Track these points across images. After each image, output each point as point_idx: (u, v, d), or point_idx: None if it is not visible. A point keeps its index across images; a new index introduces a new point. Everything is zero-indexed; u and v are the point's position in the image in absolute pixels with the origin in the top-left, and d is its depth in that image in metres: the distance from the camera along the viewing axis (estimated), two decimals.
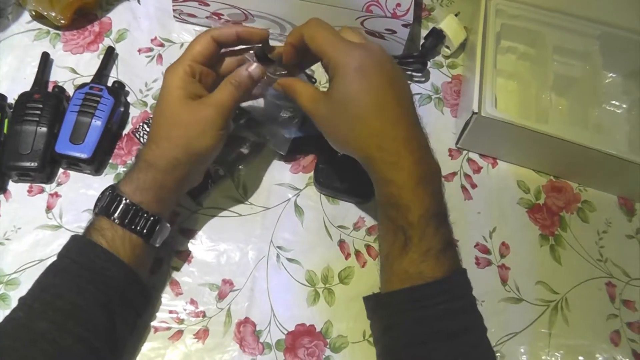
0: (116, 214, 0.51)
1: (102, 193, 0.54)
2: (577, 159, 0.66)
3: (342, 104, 0.50)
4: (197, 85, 0.54)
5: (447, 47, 0.77)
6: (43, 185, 0.64)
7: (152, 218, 0.52)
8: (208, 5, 0.70)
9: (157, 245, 0.54)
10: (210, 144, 0.53)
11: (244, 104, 0.65)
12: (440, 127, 0.71)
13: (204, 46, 0.55)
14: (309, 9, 0.68)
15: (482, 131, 0.66)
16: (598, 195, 0.68)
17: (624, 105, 0.73)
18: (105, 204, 0.52)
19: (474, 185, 0.67)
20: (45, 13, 0.72)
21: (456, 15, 0.76)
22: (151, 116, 0.68)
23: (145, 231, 0.52)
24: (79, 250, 0.51)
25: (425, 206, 0.48)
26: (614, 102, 0.73)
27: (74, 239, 0.52)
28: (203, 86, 0.55)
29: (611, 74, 0.75)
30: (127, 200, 0.51)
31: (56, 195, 0.64)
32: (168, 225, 0.55)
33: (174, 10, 0.73)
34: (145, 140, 0.65)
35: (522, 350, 0.58)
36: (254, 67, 0.55)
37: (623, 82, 0.74)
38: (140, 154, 0.54)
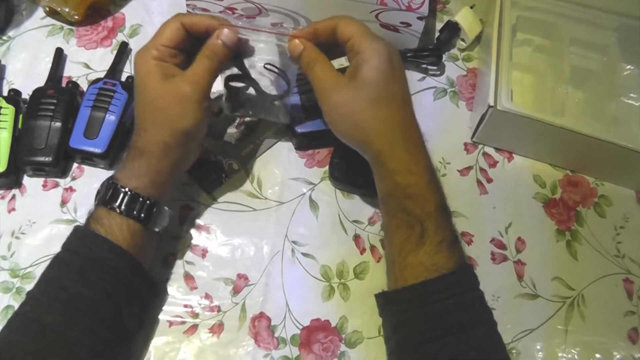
0: (112, 202, 0.51)
1: (101, 184, 0.54)
2: (593, 152, 0.65)
3: (371, 89, 0.50)
4: (169, 65, 0.54)
5: (463, 40, 0.76)
6: (57, 179, 0.65)
7: (147, 202, 0.52)
8: (222, 0, 0.70)
9: (158, 230, 0.54)
10: (194, 121, 0.53)
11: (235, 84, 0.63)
12: (455, 121, 0.70)
13: (173, 32, 0.54)
14: (324, 3, 0.68)
15: (498, 125, 0.65)
16: (615, 190, 0.67)
17: None
18: (102, 193, 0.52)
19: (489, 180, 0.67)
20: (59, 9, 0.73)
21: (471, 7, 0.75)
22: None
23: (142, 215, 0.52)
24: (80, 241, 0.52)
25: (439, 197, 0.49)
26: (631, 94, 0.71)
27: (76, 230, 0.53)
28: (175, 66, 0.55)
29: (629, 66, 0.73)
30: (122, 187, 0.51)
31: (71, 189, 0.64)
32: (167, 208, 0.55)
33: (187, 5, 0.73)
34: None
35: (538, 347, 0.58)
36: (225, 34, 0.54)
37: None
38: (132, 142, 0.54)
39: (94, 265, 0.50)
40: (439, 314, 0.46)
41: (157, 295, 0.57)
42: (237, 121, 0.68)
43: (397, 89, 0.51)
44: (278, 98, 0.60)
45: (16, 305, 0.56)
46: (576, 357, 0.57)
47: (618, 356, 0.58)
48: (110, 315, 0.49)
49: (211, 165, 0.64)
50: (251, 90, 0.60)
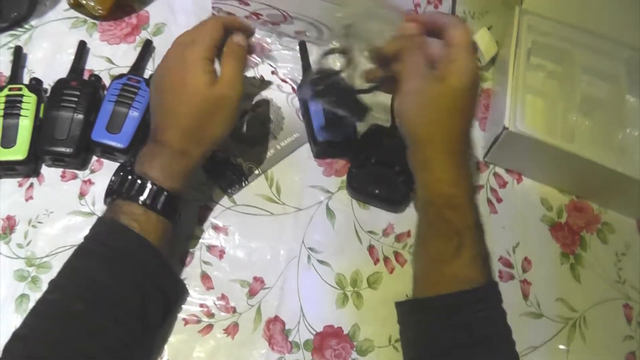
0: (152, 202, 0.52)
1: (122, 175, 0.54)
2: (599, 179, 0.67)
3: (454, 97, 0.51)
4: (213, 68, 0.56)
5: (478, 60, 0.78)
6: (76, 171, 0.65)
7: (175, 198, 0.54)
8: (248, 5, 0.71)
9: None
10: (232, 125, 0.57)
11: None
12: None
13: (219, 33, 0.56)
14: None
15: (510, 146, 0.67)
16: (617, 218, 0.70)
17: None
18: (136, 190, 0.52)
19: (499, 200, 0.69)
20: (84, 2, 0.73)
21: (489, 28, 0.77)
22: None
23: (171, 212, 0.54)
24: (109, 233, 0.52)
25: (477, 213, 0.51)
26: (637, 126, 0.75)
27: (103, 222, 0.53)
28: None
29: (635, 99, 0.76)
30: (162, 189, 0.53)
31: (89, 182, 0.64)
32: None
33: (212, 7, 0.74)
34: None
35: None
36: (239, 36, 0.59)
37: None
38: (159, 136, 0.55)
39: (123, 257, 0.51)
40: (470, 325, 0.48)
41: (180, 293, 0.58)
42: (259, 125, 0.69)
43: (472, 107, 0.53)
44: (364, 92, 0.59)
45: (31, 294, 0.57)
46: None
47: None
48: (137, 308, 0.50)
49: (232, 168, 0.65)
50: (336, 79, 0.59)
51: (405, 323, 0.54)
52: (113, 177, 0.55)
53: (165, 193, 0.53)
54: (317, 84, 0.58)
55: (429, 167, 0.52)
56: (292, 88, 0.72)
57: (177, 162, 0.54)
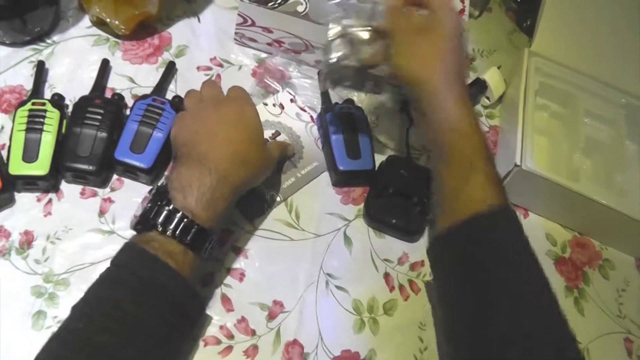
0: (192, 242, 0.52)
1: (161, 206, 0.53)
2: (600, 218, 0.71)
3: (443, 41, 0.59)
4: None
5: (487, 98, 0.81)
6: (96, 189, 0.65)
7: (212, 238, 0.55)
8: (271, 32, 0.73)
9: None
10: (264, 177, 0.64)
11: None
12: None
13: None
14: None
15: (519, 183, 0.70)
16: (617, 255, 0.74)
17: None
18: (181, 230, 0.52)
19: None
20: (108, 20, 0.74)
21: (498, 68, 0.81)
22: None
23: (207, 254, 0.55)
24: (140, 263, 0.51)
25: (483, 137, 0.56)
26: (635, 168, 0.78)
27: (133, 249, 0.52)
28: None
29: (633, 143, 0.80)
30: (205, 230, 0.53)
31: (109, 200, 0.65)
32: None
33: (235, 33, 0.76)
34: None
35: None
36: (292, 149, 0.70)
37: None
38: (226, 179, 0.56)
39: (151, 288, 0.50)
40: (511, 242, 0.52)
41: (203, 317, 0.59)
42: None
43: (459, 50, 0.59)
44: (373, 68, 0.64)
45: (48, 311, 0.57)
46: None
47: None
48: (164, 339, 0.50)
49: (254, 195, 0.66)
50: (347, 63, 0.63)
51: (434, 260, 0.57)
52: (149, 205, 0.53)
53: (205, 232, 0.53)
54: (333, 74, 0.64)
55: (435, 100, 0.57)
56: (311, 117, 0.74)
57: (222, 196, 0.55)
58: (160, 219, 0.52)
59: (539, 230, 0.73)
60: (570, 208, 0.72)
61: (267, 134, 0.72)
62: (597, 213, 0.70)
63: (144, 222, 0.53)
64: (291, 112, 0.75)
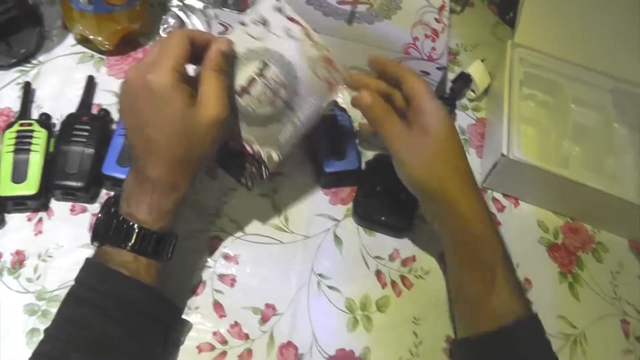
0: (141, 247, 0.50)
1: (107, 217, 0.52)
2: (591, 202, 0.71)
3: (443, 143, 0.55)
4: (186, 87, 0.50)
5: (473, 91, 0.81)
6: (86, 205, 0.66)
7: (174, 241, 0.54)
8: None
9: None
10: (216, 146, 0.53)
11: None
12: None
13: (185, 47, 0.50)
14: (351, 48, 0.72)
15: (507, 172, 0.70)
16: (610, 238, 0.73)
17: (634, 155, 0.79)
18: (123, 235, 0.50)
19: (498, 223, 0.71)
20: (92, 37, 0.75)
21: (482, 61, 0.81)
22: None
23: (170, 255, 0.54)
24: (98, 278, 0.50)
25: (504, 244, 0.54)
26: (625, 152, 0.79)
27: (91, 265, 0.51)
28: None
29: (622, 126, 0.80)
30: (152, 232, 0.51)
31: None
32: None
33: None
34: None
35: None
36: (224, 43, 0.52)
37: (632, 134, 0.80)
38: (141, 170, 0.51)
39: (115, 301, 0.49)
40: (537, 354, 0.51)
41: (179, 317, 0.58)
42: (270, 95, 0.57)
43: (459, 142, 0.57)
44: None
45: (42, 328, 0.57)
46: None
47: None
48: (136, 350, 0.50)
49: (249, 158, 0.58)
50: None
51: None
52: (99, 215, 0.54)
53: (155, 235, 0.51)
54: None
55: (453, 210, 0.54)
56: (304, 29, 0.57)
57: (166, 197, 0.51)
58: (110, 231, 0.51)
59: (531, 218, 0.73)
60: (561, 194, 0.71)
61: (252, 70, 0.56)
62: (588, 198, 0.70)
63: (95, 236, 0.53)
64: (277, 28, 0.56)
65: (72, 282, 0.58)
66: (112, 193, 0.67)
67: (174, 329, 0.57)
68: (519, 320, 0.51)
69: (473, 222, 0.54)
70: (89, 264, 0.52)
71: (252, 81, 0.56)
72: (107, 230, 0.51)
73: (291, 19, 0.56)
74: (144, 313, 0.51)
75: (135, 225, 0.50)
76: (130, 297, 0.50)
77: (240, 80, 0.56)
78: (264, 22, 0.57)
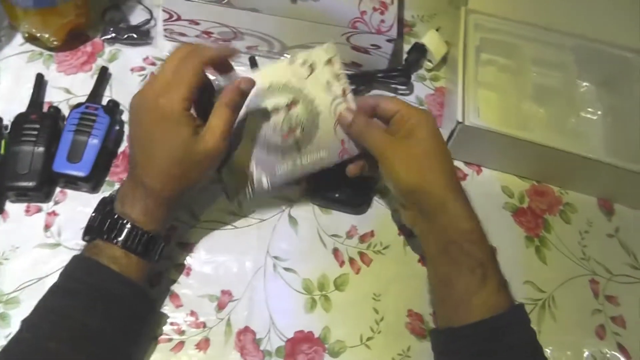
0: (132, 245, 0.52)
1: (103, 214, 0.54)
2: (557, 163, 0.69)
3: (429, 145, 0.56)
4: (193, 116, 0.54)
5: (429, 61, 0.80)
6: (40, 204, 0.65)
7: (162, 245, 0.55)
8: (198, 24, 0.73)
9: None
10: (214, 170, 0.58)
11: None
12: None
13: (198, 77, 0.53)
14: (297, 26, 0.71)
15: (466, 140, 0.69)
16: (578, 198, 0.72)
17: (599, 112, 0.77)
18: (117, 232, 0.52)
19: None
20: (39, 34, 0.74)
21: (437, 30, 0.79)
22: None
23: (157, 257, 0.55)
24: (86, 271, 0.52)
25: (489, 242, 0.54)
26: (589, 109, 0.77)
27: (80, 260, 0.53)
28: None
29: (586, 83, 0.78)
30: (144, 231, 0.53)
31: (54, 213, 0.64)
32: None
33: (164, 29, 0.75)
34: None
35: None
36: (246, 82, 0.55)
37: (597, 90, 0.78)
38: (152, 186, 0.53)
39: (100, 295, 0.50)
40: (511, 347, 0.50)
41: (155, 315, 0.58)
42: (287, 130, 0.60)
43: (443, 142, 0.58)
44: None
45: (0, 331, 0.57)
46: (549, 356, 0.60)
47: (587, 353, 0.61)
48: (115, 343, 0.50)
49: (240, 176, 0.61)
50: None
51: (444, 351, 0.55)
52: (93, 214, 0.56)
53: (146, 236, 0.53)
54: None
55: (444, 209, 0.54)
56: (343, 90, 0.60)
57: (159, 206, 0.54)
58: (104, 227, 0.53)
59: (494, 184, 0.71)
60: (524, 157, 0.70)
61: (280, 102, 0.59)
62: (552, 158, 0.68)
63: (88, 231, 0.55)
64: (321, 77, 0.60)
65: (29, 282, 0.59)
66: (66, 191, 0.66)
67: (149, 325, 0.57)
68: (509, 310, 0.51)
69: (463, 219, 0.54)
70: (77, 258, 0.53)
71: (276, 109, 0.59)
72: (101, 226, 0.53)
73: (337, 76, 0.60)
74: (126, 308, 0.52)
75: (128, 223, 0.52)
76: (115, 292, 0.51)
77: (267, 104, 0.59)
78: (312, 68, 0.59)
